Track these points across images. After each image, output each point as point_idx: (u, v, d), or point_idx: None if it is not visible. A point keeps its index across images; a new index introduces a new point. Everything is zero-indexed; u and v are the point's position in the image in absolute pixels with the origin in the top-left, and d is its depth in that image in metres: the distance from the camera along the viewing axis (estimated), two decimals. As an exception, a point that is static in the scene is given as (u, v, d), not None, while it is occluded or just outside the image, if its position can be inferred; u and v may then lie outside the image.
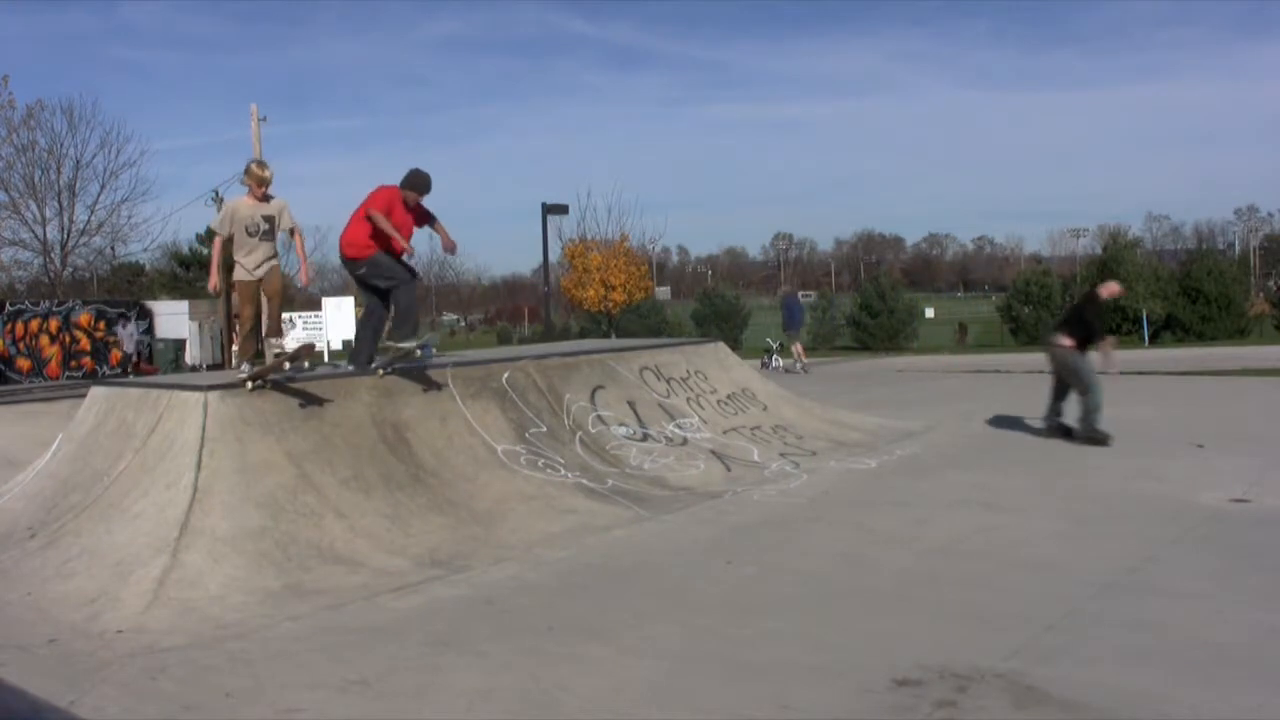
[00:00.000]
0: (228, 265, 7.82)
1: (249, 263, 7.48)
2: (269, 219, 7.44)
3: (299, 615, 5.38)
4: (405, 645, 4.90)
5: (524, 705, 4.19)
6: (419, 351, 8.12)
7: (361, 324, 8.65)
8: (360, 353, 8.44)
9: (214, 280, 7.70)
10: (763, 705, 4.13)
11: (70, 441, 7.72)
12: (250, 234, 7.38)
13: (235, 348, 31.45)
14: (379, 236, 8.05)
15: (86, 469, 7.17)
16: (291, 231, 7.66)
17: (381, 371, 8.10)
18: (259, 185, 7.43)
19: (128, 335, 28.30)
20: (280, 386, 7.45)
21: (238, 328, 7.93)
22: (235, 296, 8.03)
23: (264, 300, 7.57)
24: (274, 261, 7.57)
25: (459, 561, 6.37)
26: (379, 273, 8.12)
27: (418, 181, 8.30)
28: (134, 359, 28.07)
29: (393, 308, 8.21)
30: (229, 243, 7.62)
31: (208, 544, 5.99)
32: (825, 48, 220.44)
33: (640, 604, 5.56)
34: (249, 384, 7.19)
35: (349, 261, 8.17)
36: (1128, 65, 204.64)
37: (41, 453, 7.95)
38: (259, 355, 7.62)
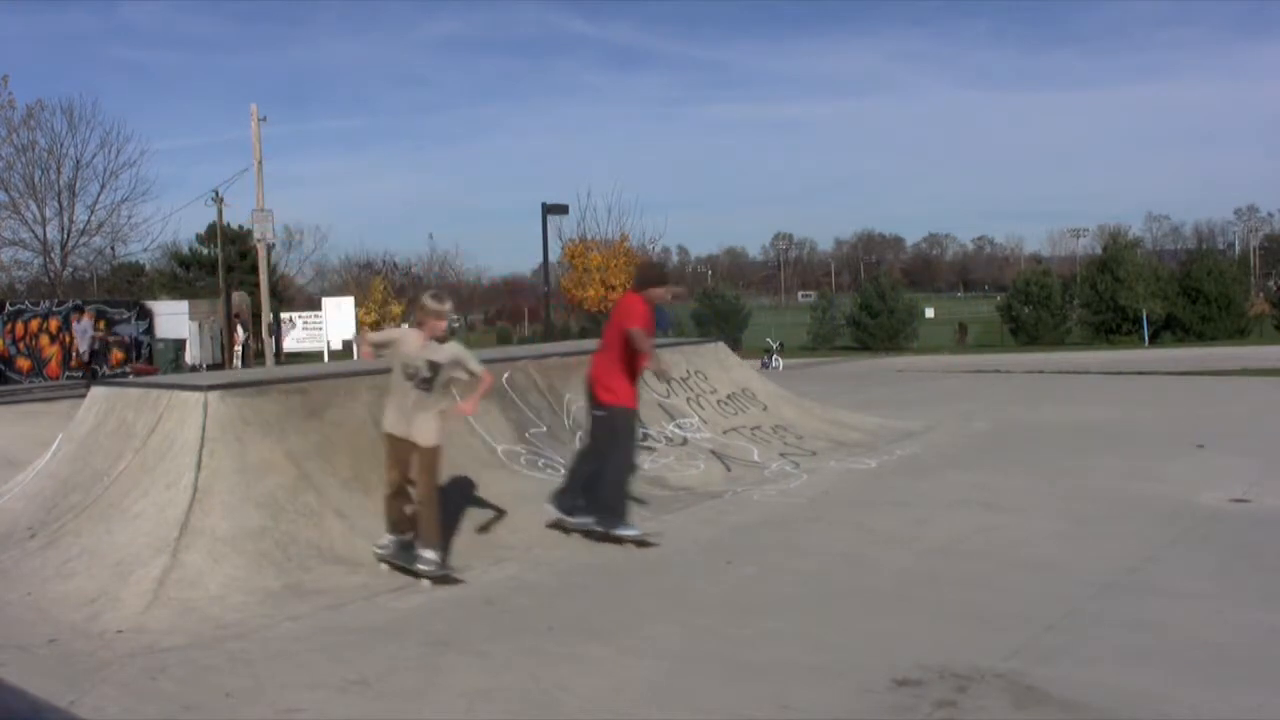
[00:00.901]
0: None
1: (393, 411, 6.10)
2: (434, 366, 6.01)
3: (299, 615, 5.38)
4: (405, 645, 4.90)
5: (524, 705, 4.19)
6: (630, 541, 6.79)
7: (619, 476, 6.92)
8: (616, 503, 6.87)
9: (365, 349, 6.56)
10: (763, 705, 4.13)
11: (70, 441, 7.72)
12: (407, 376, 5.99)
13: (238, 348, 30.66)
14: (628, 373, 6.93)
15: (86, 469, 7.17)
16: (471, 374, 6.32)
17: (567, 523, 6.99)
18: (436, 319, 6.02)
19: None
20: (282, 387, 7.45)
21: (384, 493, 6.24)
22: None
23: (413, 466, 6.04)
24: (429, 414, 6.04)
25: (459, 561, 6.37)
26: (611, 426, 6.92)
27: (655, 276, 7.34)
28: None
29: (601, 473, 6.87)
30: (376, 347, 6.42)
31: (208, 544, 5.98)
32: (825, 48, 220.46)
33: (640, 604, 5.56)
34: (425, 581, 5.95)
35: (593, 399, 6.99)
36: (1128, 65, 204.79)
37: (41, 453, 7.95)
38: (404, 521, 6.12)
